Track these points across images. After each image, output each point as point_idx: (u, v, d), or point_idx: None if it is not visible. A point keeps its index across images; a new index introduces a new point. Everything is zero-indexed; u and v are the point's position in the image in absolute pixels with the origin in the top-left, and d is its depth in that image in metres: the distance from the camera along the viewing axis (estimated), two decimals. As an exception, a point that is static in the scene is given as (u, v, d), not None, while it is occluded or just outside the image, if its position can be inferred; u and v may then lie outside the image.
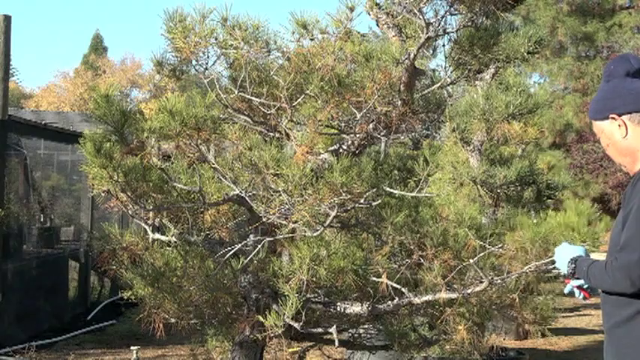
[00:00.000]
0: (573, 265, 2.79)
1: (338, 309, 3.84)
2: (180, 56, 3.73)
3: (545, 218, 4.19)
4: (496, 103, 6.34)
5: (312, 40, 3.76)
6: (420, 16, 3.69)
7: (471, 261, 3.54)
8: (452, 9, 3.80)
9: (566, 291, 2.94)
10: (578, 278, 2.78)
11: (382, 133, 3.83)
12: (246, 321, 3.85)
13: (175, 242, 3.83)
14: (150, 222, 3.84)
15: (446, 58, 3.97)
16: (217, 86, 3.69)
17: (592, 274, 2.68)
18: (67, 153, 11.03)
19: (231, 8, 3.63)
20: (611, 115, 2.73)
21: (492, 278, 3.64)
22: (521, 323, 4.47)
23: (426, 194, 3.71)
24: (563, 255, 2.88)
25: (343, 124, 3.87)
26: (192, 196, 3.74)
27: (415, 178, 3.69)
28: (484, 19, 3.87)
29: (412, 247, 3.69)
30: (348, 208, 3.53)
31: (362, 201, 3.46)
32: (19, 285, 8.52)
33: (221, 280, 3.97)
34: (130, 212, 3.70)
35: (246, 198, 3.56)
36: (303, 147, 3.50)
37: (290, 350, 4.76)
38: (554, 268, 3.08)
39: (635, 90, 2.71)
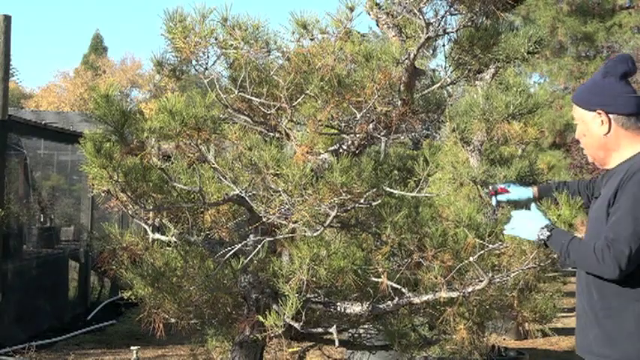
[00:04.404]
0: (548, 233, 2.82)
1: (338, 309, 3.84)
2: (180, 56, 3.73)
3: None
4: (496, 103, 6.34)
5: (312, 40, 3.76)
6: (420, 16, 3.69)
7: (471, 259, 3.54)
8: (452, 9, 3.80)
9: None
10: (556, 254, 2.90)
11: (382, 133, 3.83)
12: (246, 321, 3.85)
13: (175, 242, 3.82)
14: (150, 222, 3.84)
15: (446, 58, 3.97)
16: (217, 86, 3.69)
17: (574, 250, 2.72)
18: (67, 153, 11.04)
19: (231, 8, 3.63)
20: (598, 110, 2.82)
21: (492, 276, 3.64)
22: (521, 322, 4.46)
23: (426, 194, 3.71)
24: (526, 220, 2.94)
25: (343, 124, 3.87)
26: (192, 196, 3.74)
27: (415, 178, 3.69)
28: (484, 19, 3.87)
29: (412, 248, 3.68)
30: (348, 208, 3.53)
31: (362, 201, 3.46)
32: (19, 285, 8.52)
33: (221, 280, 3.96)
34: (130, 212, 3.70)
35: (246, 198, 3.56)
36: (303, 147, 3.50)
37: (290, 350, 4.76)
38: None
39: (627, 94, 2.82)
